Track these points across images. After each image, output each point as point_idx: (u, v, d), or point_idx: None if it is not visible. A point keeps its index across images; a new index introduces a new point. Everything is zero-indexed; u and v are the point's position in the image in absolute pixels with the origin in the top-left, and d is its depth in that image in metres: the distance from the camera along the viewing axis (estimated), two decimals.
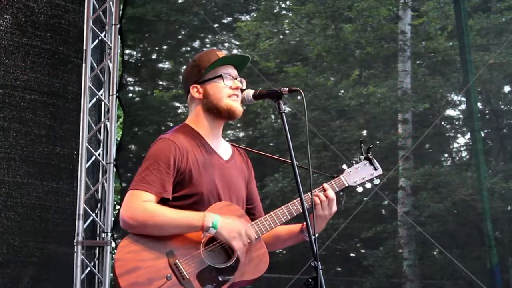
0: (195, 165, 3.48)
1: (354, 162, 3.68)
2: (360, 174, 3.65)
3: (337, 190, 3.60)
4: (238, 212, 3.52)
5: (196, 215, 3.37)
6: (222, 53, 3.62)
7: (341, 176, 3.63)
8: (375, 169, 3.67)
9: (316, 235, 3.36)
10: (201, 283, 3.35)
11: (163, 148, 3.47)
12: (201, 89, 3.57)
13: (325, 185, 3.59)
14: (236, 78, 3.59)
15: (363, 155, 3.69)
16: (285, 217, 3.52)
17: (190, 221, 3.37)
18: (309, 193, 3.44)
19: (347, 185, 3.63)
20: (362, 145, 3.72)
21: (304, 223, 3.48)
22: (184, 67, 3.77)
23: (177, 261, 3.36)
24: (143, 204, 3.37)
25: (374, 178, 3.67)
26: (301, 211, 3.44)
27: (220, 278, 3.39)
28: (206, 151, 3.55)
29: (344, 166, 3.67)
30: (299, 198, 3.34)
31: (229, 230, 3.38)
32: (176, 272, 3.34)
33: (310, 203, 3.47)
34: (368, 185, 3.68)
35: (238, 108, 3.57)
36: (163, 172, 3.41)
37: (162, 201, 3.43)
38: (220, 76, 3.56)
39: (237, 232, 3.39)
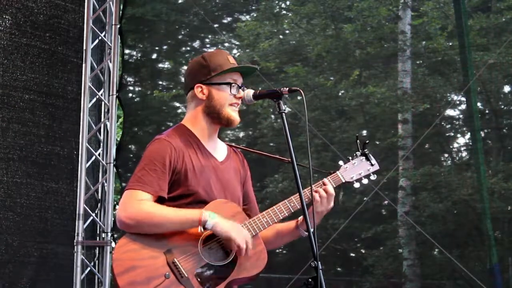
0: (190, 166, 3.49)
1: (350, 158, 3.71)
2: (357, 169, 3.68)
3: (334, 186, 3.62)
4: (235, 209, 3.53)
5: (193, 211, 3.40)
6: (231, 58, 3.60)
7: (337, 172, 3.66)
8: (372, 165, 3.71)
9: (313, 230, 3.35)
10: (199, 281, 3.36)
11: (158, 148, 3.48)
12: (206, 90, 3.57)
13: (325, 180, 3.60)
14: (241, 87, 3.60)
15: (359, 151, 3.72)
16: (282, 214, 3.53)
17: (187, 216, 3.39)
18: (306, 190, 3.45)
19: (343, 181, 3.66)
20: (358, 141, 3.75)
21: (299, 218, 3.56)
22: (191, 60, 3.74)
23: (175, 259, 3.36)
24: (139, 203, 3.38)
25: (371, 174, 3.71)
26: (298, 207, 3.46)
27: (218, 276, 3.39)
28: (202, 153, 3.56)
29: (341, 162, 3.70)
30: (296, 194, 3.35)
31: (226, 223, 3.39)
32: (174, 270, 3.35)
33: (308, 200, 3.47)
34: (365, 181, 3.71)
35: (237, 118, 3.59)
36: (158, 171, 3.43)
37: (159, 201, 3.44)
38: (228, 84, 3.56)
39: (235, 227, 3.40)
